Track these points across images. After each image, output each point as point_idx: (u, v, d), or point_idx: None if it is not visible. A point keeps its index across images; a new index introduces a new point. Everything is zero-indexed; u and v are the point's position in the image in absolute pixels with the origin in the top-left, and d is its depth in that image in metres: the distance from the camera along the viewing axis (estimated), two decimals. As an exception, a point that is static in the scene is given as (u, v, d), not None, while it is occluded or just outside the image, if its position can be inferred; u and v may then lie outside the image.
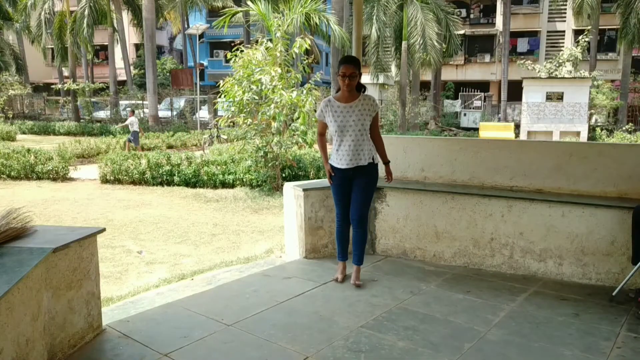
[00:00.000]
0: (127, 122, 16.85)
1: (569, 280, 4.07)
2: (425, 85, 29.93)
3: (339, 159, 3.85)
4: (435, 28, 23.07)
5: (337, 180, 3.93)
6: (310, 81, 10.22)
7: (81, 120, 27.92)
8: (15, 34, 33.06)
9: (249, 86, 9.55)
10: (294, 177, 10.18)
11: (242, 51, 9.77)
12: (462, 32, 29.92)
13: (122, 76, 31.51)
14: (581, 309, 3.52)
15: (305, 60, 10.28)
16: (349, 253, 4.12)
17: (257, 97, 9.71)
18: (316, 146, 3.87)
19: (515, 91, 26.83)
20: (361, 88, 3.91)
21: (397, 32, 24.86)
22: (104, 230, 3.08)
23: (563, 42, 32.41)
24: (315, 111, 10.97)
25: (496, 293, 3.82)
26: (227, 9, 11.74)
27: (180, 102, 28.74)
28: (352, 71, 3.72)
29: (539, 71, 25.15)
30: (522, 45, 34.83)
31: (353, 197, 3.91)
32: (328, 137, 4.20)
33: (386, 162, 4.07)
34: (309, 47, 10.05)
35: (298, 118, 9.94)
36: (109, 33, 26.93)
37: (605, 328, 3.23)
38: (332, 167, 3.93)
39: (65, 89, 29.03)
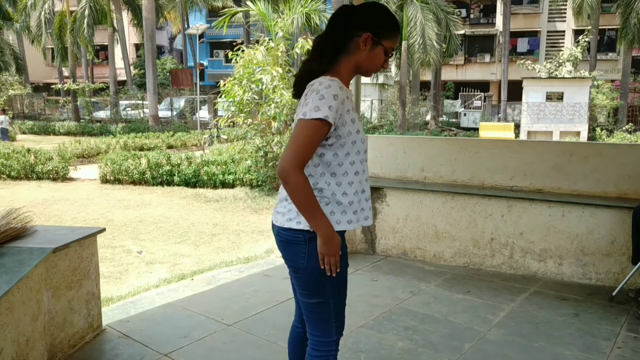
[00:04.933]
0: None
1: (569, 280, 4.08)
2: (425, 85, 29.91)
3: (360, 210, 1.88)
4: (435, 28, 23.06)
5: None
6: None
7: (81, 120, 27.92)
8: (15, 34, 33.04)
9: (249, 86, 9.55)
10: (294, 177, 10.15)
11: (243, 51, 9.78)
12: (462, 32, 29.90)
13: (122, 76, 31.53)
14: (581, 309, 3.52)
15: (306, 60, 10.26)
16: None
17: (257, 97, 9.71)
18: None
19: (515, 91, 26.82)
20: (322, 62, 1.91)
21: (397, 32, 24.83)
22: (104, 230, 3.09)
23: (563, 42, 32.39)
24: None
25: (496, 293, 3.82)
26: (227, 9, 11.75)
27: (180, 102, 28.74)
28: None
29: (539, 71, 25.14)
30: (522, 45, 34.81)
31: None
32: None
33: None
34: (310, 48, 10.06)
35: (298, 118, 9.94)
36: (109, 33, 26.93)
37: (605, 328, 3.23)
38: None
39: (65, 89, 29.05)
